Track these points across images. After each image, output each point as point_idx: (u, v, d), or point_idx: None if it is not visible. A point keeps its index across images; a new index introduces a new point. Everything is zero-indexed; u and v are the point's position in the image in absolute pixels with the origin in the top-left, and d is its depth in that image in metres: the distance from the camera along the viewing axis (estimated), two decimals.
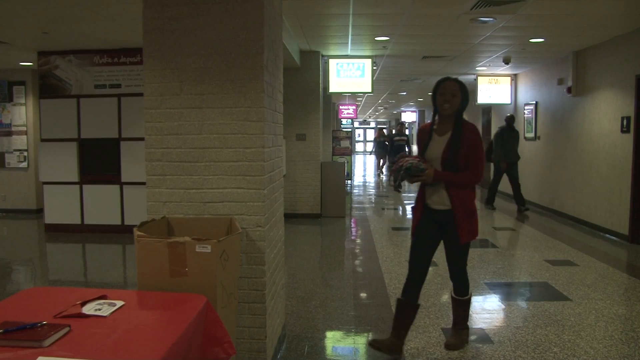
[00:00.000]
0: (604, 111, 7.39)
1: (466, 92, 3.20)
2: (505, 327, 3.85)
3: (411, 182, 3.23)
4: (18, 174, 9.49)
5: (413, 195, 12.98)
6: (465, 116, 3.27)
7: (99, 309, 1.92)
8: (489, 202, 9.70)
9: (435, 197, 3.22)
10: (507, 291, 4.75)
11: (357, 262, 5.98)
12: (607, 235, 7.20)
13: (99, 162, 7.58)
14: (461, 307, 3.45)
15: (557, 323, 3.87)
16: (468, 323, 3.55)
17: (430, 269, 5.25)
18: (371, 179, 17.58)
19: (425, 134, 3.29)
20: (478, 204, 8.37)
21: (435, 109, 3.24)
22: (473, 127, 3.22)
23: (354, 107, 19.01)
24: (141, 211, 4.05)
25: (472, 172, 3.17)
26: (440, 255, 3.39)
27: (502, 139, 9.22)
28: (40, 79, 7.63)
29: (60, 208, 7.71)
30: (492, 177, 9.77)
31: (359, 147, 39.17)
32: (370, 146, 25.46)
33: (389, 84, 13.57)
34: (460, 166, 3.12)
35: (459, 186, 3.16)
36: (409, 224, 8.48)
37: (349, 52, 8.54)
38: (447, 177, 3.14)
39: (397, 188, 3.27)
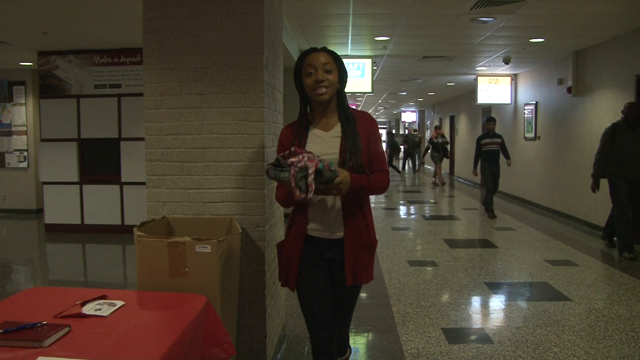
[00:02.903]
0: (604, 111, 7.39)
1: (342, 64, 2.26)
2: (505, 327, 3.85)
3: (316, 193, 2.06)
4: (18, 174, 9.50)
5: (414, 193, 12.98)
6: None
7: (99, 309, 1.92)
8: (627, 248, 5.82)
9: (323, 220, 2.24)
10: (507, 291, 4.75)
11: None
12: None
13: (99, 162, 7.59)
14: None
15: (557, 323, 3.87)
16: None
17: (429, 269, 5.30)
18: None
19: (290, 136, 2.27)
20: (612, 253, 6.32)
21: (304, 96, 2.28)
22: (366, 114, 2.36)
23: (354, 107, 18.96)
24: (141, 211, 4.05)
25: (386, 172, 2.30)
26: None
27: (611, 140, 5.89)
28: (40, 79, 7.63)
29: (60, 208, 7.71)
30: (613, 203, 6.01)
31: None
32: (387, 147, 19.84)
33: (389, 84, 13.56)
34: (364, 168, 2.20)
35: (373, 191, 2.25)
36: (409, 224, 8.56)
37: (349, 52, 8.54)
38: (365, 182, 2.18)
39: (306, 200, 2.04)
